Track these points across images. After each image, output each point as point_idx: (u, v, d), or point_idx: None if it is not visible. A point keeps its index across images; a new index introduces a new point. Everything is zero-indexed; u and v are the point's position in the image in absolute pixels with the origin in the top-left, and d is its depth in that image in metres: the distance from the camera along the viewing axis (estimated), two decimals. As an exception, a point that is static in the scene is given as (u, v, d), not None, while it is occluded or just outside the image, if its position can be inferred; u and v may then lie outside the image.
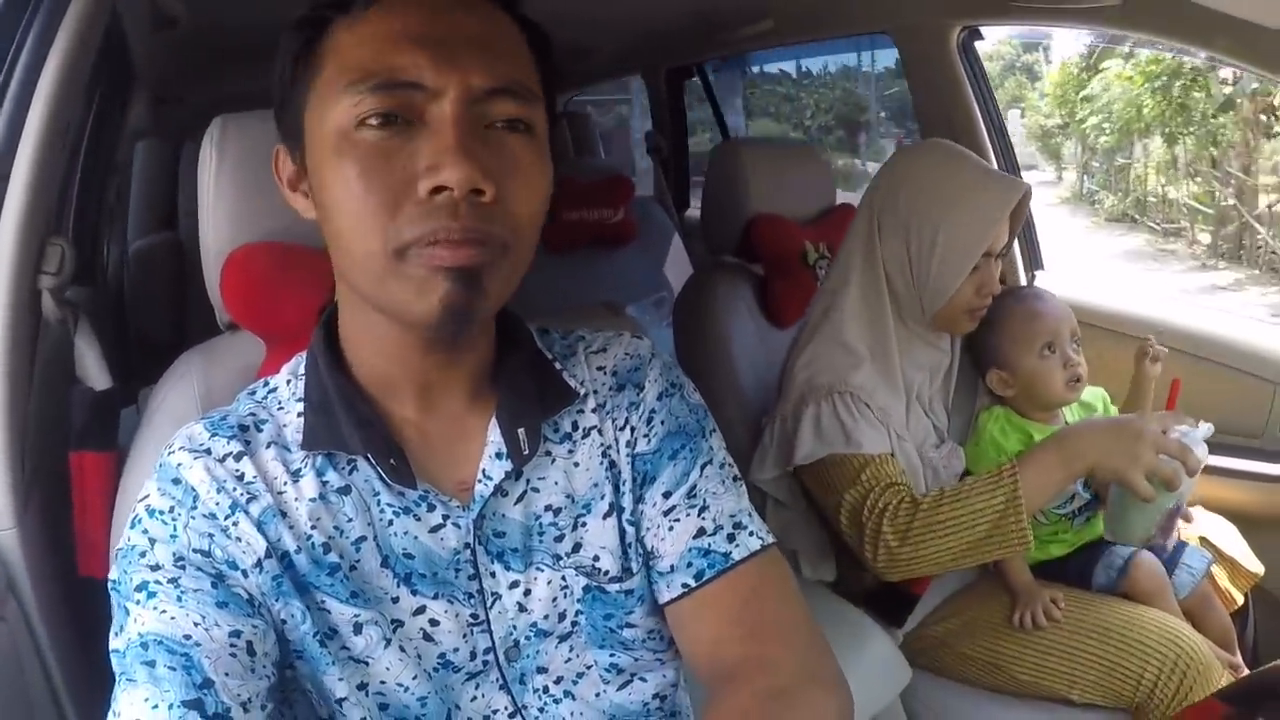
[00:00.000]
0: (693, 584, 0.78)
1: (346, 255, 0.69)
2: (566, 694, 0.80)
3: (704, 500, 0.80)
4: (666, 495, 0.81)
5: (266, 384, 0.81)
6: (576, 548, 0.79)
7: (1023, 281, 2.10)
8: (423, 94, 0.65)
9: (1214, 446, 1.30)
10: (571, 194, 2.71)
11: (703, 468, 0.82)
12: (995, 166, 2.03)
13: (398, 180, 0.65)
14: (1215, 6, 1.06)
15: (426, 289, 0.65)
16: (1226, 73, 7.41)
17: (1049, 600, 1.37)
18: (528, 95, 0.69)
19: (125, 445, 1.01)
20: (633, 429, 0.82)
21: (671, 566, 0.79)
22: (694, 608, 0.79)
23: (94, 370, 1.08)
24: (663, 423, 0.82)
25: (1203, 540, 1.53)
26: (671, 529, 0.80)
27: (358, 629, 0.73)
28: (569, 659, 0.80)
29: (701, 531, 0.79)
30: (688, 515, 0.80)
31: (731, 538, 0.79)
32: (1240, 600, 1.51)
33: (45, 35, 0.99)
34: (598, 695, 0.81)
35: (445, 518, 0.75)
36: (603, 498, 0.80)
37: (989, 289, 1.39)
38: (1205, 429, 1.27)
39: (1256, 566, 1.53)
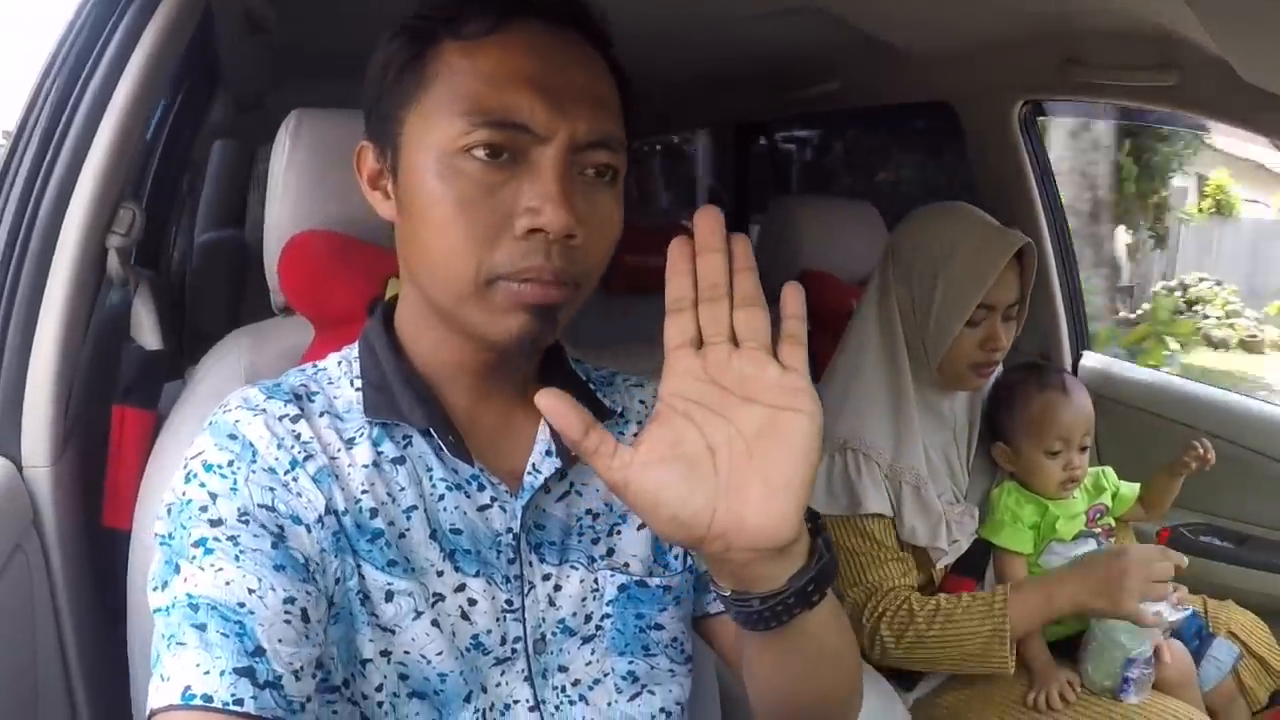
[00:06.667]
0: None
1: (429, 271, 0.72)
2: (581, 697, 0.80)
3: None
4: None
5: (315, 365, 0.82)
6: (610, 552, 0.82)
7: (1067, 357, 2.08)
8: (529, 137, 0.69)
9: (1249, 539, 1.27)
10: (633, 239, 2.69)
11: None
12: (1049, 245, 2.04)
13: (498, 215, 0.68)
14: (1271, 89, 1.07)
15: (506, 318, 0.70)
16: None
17: (1065, 683, 1.34)
18: (618, 146, 0.73)
19: (165, 414, 1.04)
20: None
21: None
22: None
23: (148, 331, 1.13)
24: None
25: (1231, 634, 1.48)
26: None
27: (389, 597, 0.72)
28: (589, 662, 0.80)
29: None
30: None
31: None
32: (1265, 700, 1.46)
33: (139, 18, 1.04)
34: (609, 704, 0.81)
35: (493, 499, 0.76)
36: None
37: (994, 344, 1.39)
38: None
39: (1286, 668, 1.47)
